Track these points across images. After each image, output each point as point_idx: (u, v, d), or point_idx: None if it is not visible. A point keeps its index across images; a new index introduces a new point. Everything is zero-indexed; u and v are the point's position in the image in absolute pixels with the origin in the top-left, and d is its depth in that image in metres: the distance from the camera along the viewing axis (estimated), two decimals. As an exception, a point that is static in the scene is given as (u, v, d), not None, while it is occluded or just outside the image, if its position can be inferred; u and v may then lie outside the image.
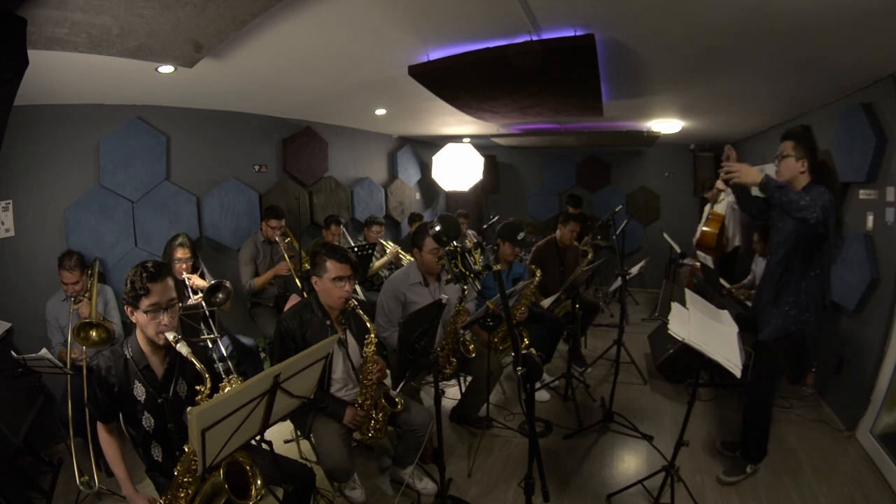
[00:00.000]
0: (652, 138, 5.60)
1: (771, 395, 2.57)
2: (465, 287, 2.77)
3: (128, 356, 1.72)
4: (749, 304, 3.67)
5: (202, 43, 2.14)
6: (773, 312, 2.51)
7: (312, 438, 2.29)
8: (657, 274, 6.33)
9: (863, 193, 3.03)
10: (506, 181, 7.87)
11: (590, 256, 4.25)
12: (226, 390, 1.60)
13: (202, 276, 3.26)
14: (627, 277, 3.51)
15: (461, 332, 2.99)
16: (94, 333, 2.65)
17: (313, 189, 5.01)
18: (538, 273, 3.54)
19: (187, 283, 3.07)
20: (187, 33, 2.02)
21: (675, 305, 2.23)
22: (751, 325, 2.77)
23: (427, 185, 7.26)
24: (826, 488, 2.50)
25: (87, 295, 2.84)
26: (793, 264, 2.42)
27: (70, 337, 2.62)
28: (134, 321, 1.70)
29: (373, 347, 2.24)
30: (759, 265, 3.84)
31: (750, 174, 2.27)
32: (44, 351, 2.35)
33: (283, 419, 1.78)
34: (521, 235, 3.47)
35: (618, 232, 3.98)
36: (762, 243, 3.72)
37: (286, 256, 3.72)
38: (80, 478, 2.41)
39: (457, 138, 6.67)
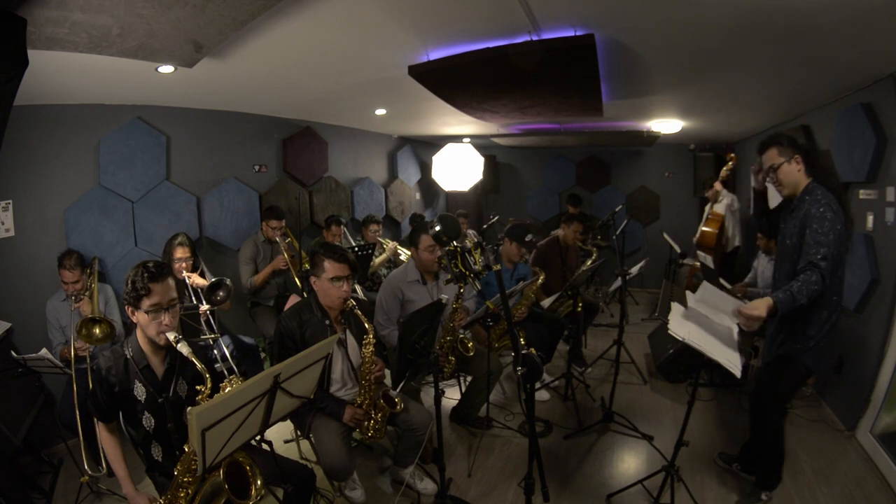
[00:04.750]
0: (652, 138, 5.60)
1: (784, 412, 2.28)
2: (462, 286, 2.77)
3: (128, 356, 1.72)
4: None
5: (202, 43, 2.14)
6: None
7: (312, 438, 2.29)
8: (657, 274, 6.33)
9: (863, 193, 3.02)
10: (506, 181, 7.87)
11: (594, 256, 4.25)
12: (226, 390, 1.60)
13: (202, 275, 3.27)
14: (627, 277, 3.51)
15: (461, 331, 2.99)
16: (97, 330, 2.65)
17: (313, 189, 5.00)
18: (542, 276, 3.56)
19: (188, 282, 3.08)
20: (187, 33, 2.02)
21: (675, 305, 2.23)
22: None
23: (427, 185, 7.25)
24: (826, 488, 2.51)
25: (87, 293, 2.84)
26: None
27: (73, 335, 2.62)
28: (135, 321, 1.70)
29: (371, 348, 2.24)
30: (761, 262, 3.80)
31: (760, 309, 2.01)
32: (44, 351, 2.35)
33: (283, 419, 1.78)
34: (528, 237, 3.52)
35: (618, 232, 3.98)
36: (766, 240, 3.69)
37: (286, 255, 3.72)
38: (81, 477, 2.42)
39: (457, 138, 6.66)
